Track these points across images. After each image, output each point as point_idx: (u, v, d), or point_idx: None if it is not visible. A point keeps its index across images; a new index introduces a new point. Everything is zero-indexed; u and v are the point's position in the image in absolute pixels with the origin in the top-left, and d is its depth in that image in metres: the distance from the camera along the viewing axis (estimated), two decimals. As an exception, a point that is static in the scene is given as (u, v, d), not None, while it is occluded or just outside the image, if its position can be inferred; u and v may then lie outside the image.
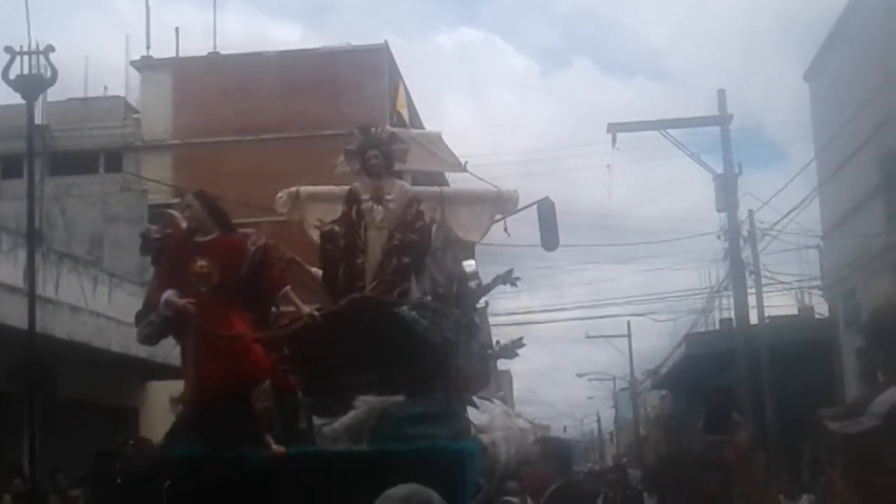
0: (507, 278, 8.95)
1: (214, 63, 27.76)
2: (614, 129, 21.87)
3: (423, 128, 20.96)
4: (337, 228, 8.75)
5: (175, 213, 7.75)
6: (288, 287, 7.69)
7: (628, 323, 41.60)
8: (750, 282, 23.01)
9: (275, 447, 7.25)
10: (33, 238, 12.50)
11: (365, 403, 7.68)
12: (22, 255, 14.58)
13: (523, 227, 10.01)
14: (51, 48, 10.38)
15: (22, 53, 10.22)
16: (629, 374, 47.29)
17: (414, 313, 7.78)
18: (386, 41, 27.56)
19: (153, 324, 7.52)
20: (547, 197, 9.57)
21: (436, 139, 10.39)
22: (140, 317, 7.69)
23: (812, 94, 24.17)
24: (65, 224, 23.56)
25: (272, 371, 7.41)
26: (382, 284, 8.41)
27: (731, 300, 23.58)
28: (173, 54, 28.09)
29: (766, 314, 24.96)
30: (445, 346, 7.90)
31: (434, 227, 8.97)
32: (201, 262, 7.32)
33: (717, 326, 29.28)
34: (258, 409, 7.31)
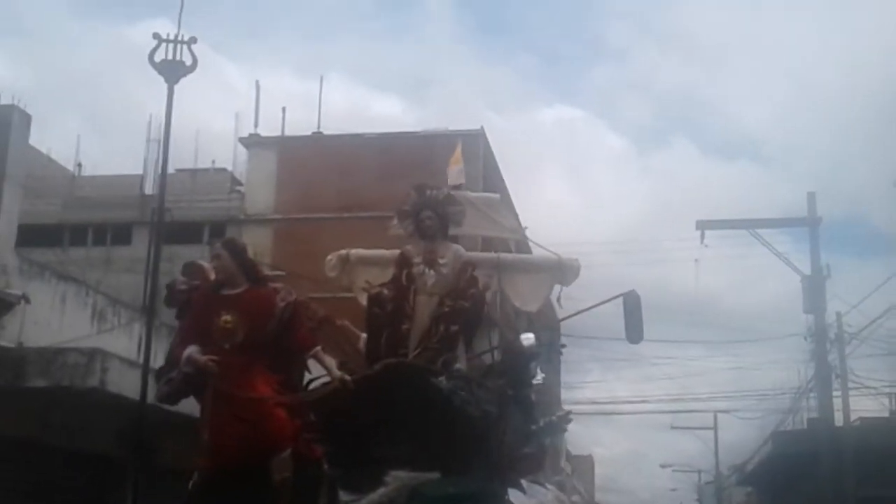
0: (553, 346, 7.92)
1: (317, 142, 27.57)
2: (703, 226, 21.60)
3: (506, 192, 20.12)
4: (385, 292, 7.88)
5: (204, 263, 6.94)
6: (318, 348, 6.76)
7: (715, 416, 39.66)
8: (837, 384, 22.33)
9: (294, 524, 6.31)
10: (152, 312, 12.27)
11: (396, 479, 6.71)
12: (136, 327, 14.54)
13: (610, 314, 9.11)
14: (194, 39, 10.55)
15: (167, 41, 10.36)
16: (714, 468, 45.12)
17: (451, 384, 6.80)
18: (482, 127, 27.00)
19: (173, 381, 6.66)
20: (633, 290, 8.79)
21: (494, 203, 9.54)
22: (161, 374, 6.86)
23: (904, 198, 22.79)
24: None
25: (295, 439, 6.48)
26: (427, 352, 7.50)
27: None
28: (279, 131, 27.93)
29: (857, 416, 24.22)
30: (486, 420, 6.89)
31: (489, 295, 8.03)
32: (226, 317, 6.49)
33: (805, 426, 27.69)
34: (277, 480, 6.37)
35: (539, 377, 8.67)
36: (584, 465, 43.39)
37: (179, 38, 10.73)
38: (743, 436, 35.50)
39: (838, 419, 22.58)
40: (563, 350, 8.13)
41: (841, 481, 20.90)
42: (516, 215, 21.72)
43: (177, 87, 10.96)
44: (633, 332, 8.78)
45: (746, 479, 36.08)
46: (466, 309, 7.72)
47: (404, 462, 6.74)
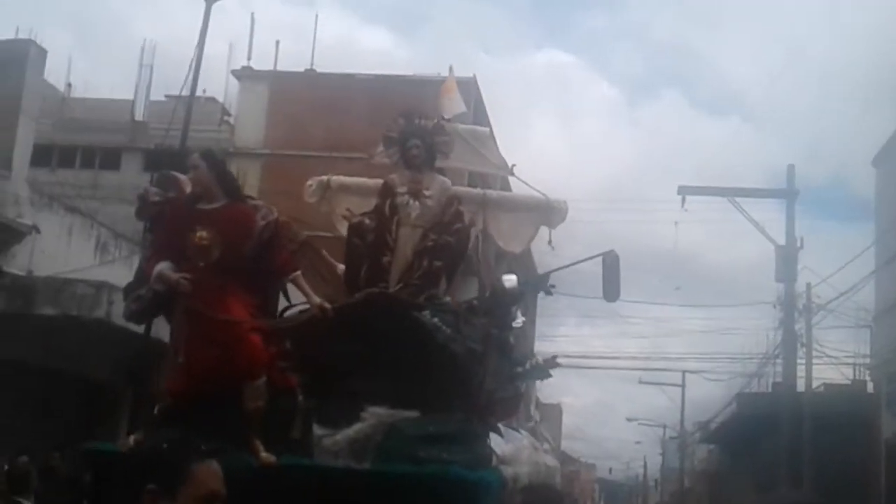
0: (543, 286, 7.37)
1: (310, 80, 26.81)
2: (684, 191, 21.62)
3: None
4: (367, 221, 7.29)
5: (180, 175, 6.31)
6: (298, 272, 6.17)
7: (683, 375, 39.47)
8: (803, 352, 22.51)
9: (264, 455, 5.74)
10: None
11: (373, 416, 6.14)
12: (136, 260, 14.34)
13: (588, 270, 8.62)
14: None
15: None
16: (679, 425, 45.12)
17: (436, 319, 6.23)
18: (474, 75, 26.26)
19: (142, 299, 6.08)
20: (612, 250, 8.27)
21: (485, 137, 8.92)
22: (129, 290, 6.24)
23: (878, 179, 22.53)
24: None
25: (270, 366, 5.92)
26: (408, 287, 6.92)
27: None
28: (271, 62, 27.14)
29: (822, 382, 24.59)
30: (470, 359, 6.35)
31: (473, 231, 7.45)
32: (201, 233, 5.88)
33: (769, 389, 27.73)
34: (250, 408, 5.81)
35: (519, 320, 8.15)
36: (553, 413, 43.28)
37: None
38: (709, 395, 35.48)
39: (803, 386, 22.96)
40: (553, 291, 7.52)
41: (799, 443, 21.19)
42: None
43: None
44: (611, 290, 8.35)
45: (710, 437, 36.17)
46: (451, 244, 7.14)
47: (383, 397, 6.18)
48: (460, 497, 5.63)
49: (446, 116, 8.74)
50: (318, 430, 6.16)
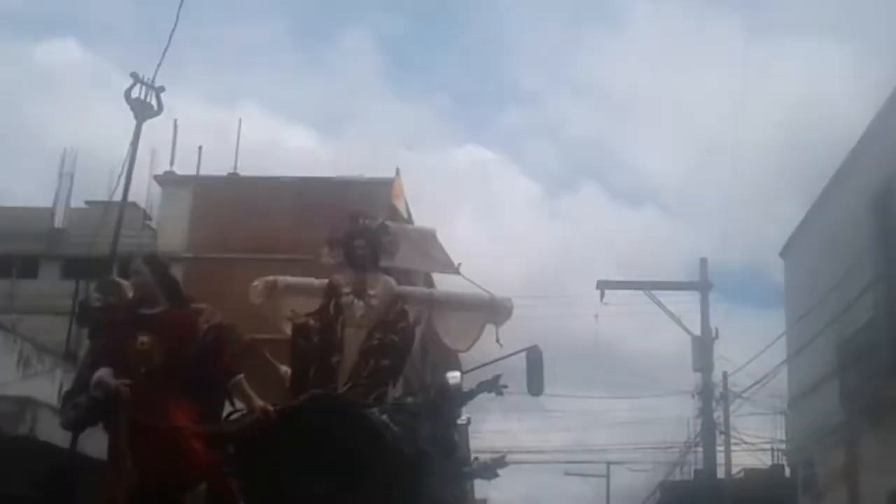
0: (494, 385, 7.36)
1: (233, 183, 26.68)
2: (602, 286, 22.26)
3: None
4: (312, 322, 7.19)
5: (122, 281, 6.20)
6: (241, 376, 6.04)
7: (608, 466, 39.45)
8: (722, 439, 23.39)
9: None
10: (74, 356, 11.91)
11: (316, 520, 5.99)
12: (59, 373, 13.98)
13: (513, 364, 8.67)
14: (162, 88, 11.06)
15: (143, 82, 10.84)
16: (606, 515, 44.85)
17: (385, 417, 6.16)
18: (398, 169, 26.57)
19: (80, 407, 5.88)
20: (536, 346, 8.43)
21: (429, 237, 8.98)
22: (68, 398, 6.05)
23: (786, 270, 23.32)
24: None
25: (211, 473, 5.75)
26: (357, 388, 6.82)
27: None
28: (195, 170, 26.96)
29: (741, 468, 25.55)
30: (419, 459, 6.27)
31: (418, 330, 7.45)
32: (143, 338, 5.76)
33: (691, 477, 28.05)
34: (189, 516, 5.64)
35: (463, 418, 8.10)
36: (480, 509, 42.69)
37: (152, 84, 11.00)
38: (633, 484, 35.47)
39: (723, 472, 23.64)
40: (504, 391, 7.51)
41: None
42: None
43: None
44: (535, 385, 8.48)
45: (636, 527, 36.15)
46: (396, 343, 7.11)
47: (328, 500, 6.04)
48: None
49: (402, 216, 8.85)
50: (261, 536, 5.99)
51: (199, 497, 5.62)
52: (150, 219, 26.46)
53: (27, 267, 25.25)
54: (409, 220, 27.43)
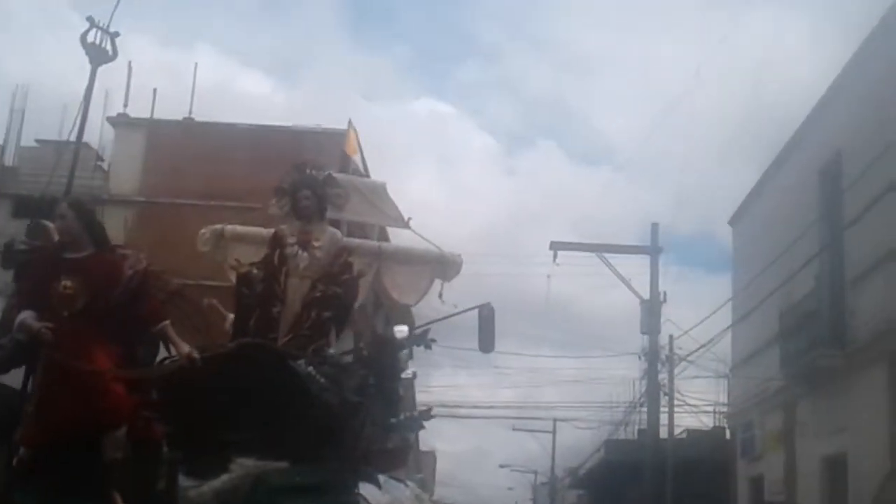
0: (423, 339, 7.37)
1: (187, 128, 26.20)
2: (556, 247, 22.42)
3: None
4: (255, 272, 7.17)
5: (49, 224, 6.10)
6: (167, 322, 5.99)
7: (554, 422, 39.98)
8: (666, 401, 23.83)
9: (122, 508, 5.53)
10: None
11: (241, 466, 5.99)
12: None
13: (465, 320, 8.71)
14: (117, 34, 10.52)
15: (98, 27, 10.29)
16: (550, 471, 45.53)
17: (311, 368, 6.15)
18: (350, 121, 26.36)
19: (4, 349, 5.82)
20: (488, 303, 8.43)
21: (380, 190, 8.92)
22: (-8, 340, 5.96)
23: (734, 238, 23.51)
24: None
25: (132, 416, 5.71)
26: (297, 339, 6.79)
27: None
28: (149, 112, 26.49)
29: (684, 429, 26.08)
30: (344, 409, 6.27)
31: (364, 282, 7.42)
32: (66, 282, 5.68)
33: (635, 436, 28.55)
34: (109, 459, 5.59)
35: (409, 371, 8.11)
36: (427, 460, 42.99)
37: (107, 29, 10.41)
38: (579, 441, 35.98)
39: (666, 433, 24.13)
40: (433, 345, 7.52)
41: (662, 486, 22.27)
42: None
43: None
44: (486, 342, 8.53)
45: (579, 482, 36.59)
46: (339, 295, 7.07)
47: (253, 448, 6.03)
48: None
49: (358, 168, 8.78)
50: (184, 481, 5.99)
51: (119, 440, 5.58)
52: (102, 160, 26.01)
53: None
54: (366, 173, 27.38)
